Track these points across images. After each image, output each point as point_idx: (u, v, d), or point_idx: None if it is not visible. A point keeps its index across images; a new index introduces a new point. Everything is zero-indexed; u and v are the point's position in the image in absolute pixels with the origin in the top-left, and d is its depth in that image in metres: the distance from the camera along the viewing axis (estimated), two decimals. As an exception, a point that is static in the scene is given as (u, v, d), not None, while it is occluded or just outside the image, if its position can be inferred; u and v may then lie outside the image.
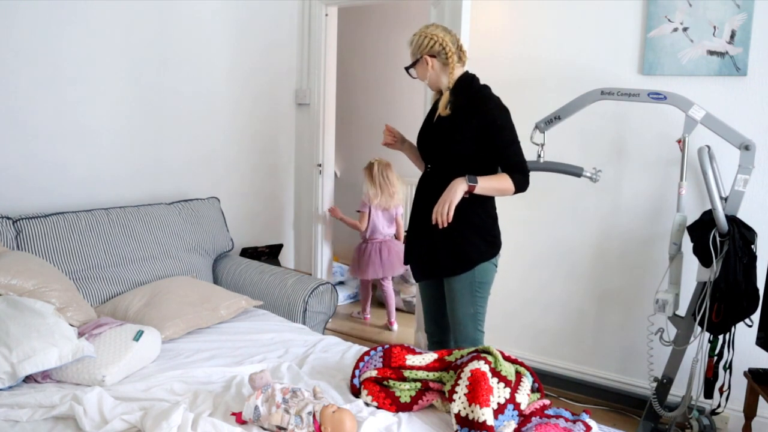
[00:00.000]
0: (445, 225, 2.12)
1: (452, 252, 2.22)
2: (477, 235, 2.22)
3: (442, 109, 2.22)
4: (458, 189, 2.10)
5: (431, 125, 2.30)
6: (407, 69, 2.30)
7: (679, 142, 2.48)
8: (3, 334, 1.78)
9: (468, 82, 2.24)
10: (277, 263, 3.62)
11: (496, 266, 2.31)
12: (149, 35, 2.98)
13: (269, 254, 3.62)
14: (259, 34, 3.59)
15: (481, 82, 2.28)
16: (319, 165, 3.91)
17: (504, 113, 2.18)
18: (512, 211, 2.84)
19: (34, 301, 1.98)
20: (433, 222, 2.14)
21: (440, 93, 2.30)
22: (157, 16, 3.00)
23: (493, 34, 3.18)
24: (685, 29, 2.69)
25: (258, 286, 2.84)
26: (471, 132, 2.16)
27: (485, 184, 2.13)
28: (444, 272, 2.26)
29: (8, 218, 2.35)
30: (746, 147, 2.34)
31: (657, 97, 2.50)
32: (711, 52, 2.65)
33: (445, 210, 2.09)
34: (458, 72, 2.25)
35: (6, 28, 2.45)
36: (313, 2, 3.78)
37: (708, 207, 2.43)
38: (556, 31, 3.02)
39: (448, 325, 2.44)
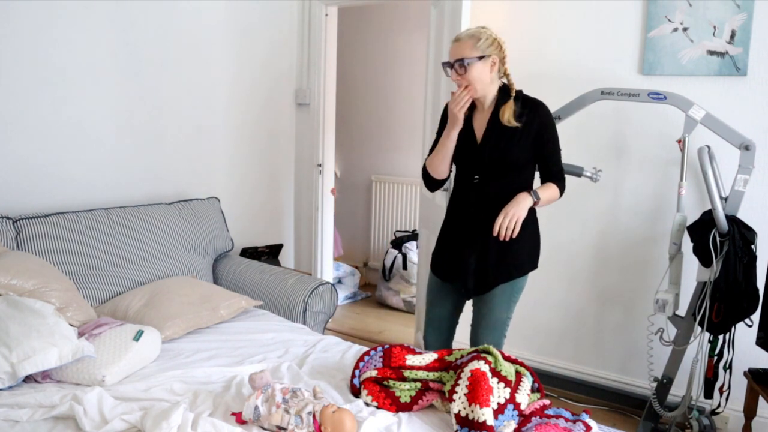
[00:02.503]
0: (508, 238, 2.09)
1: (504, 266, 2.19)
2: (525, 250, 2.22)
3: (511, 118, 2.11)
4: (526, 205, 2.10)
5: (474, 136, 2.19)
6: (464, 61, 2.06)
7: (679, 142, 2.48)
8: (3, 334, 1.78)
9: (508, 89, 2.18)
10: (277, 263, 3.62)
11: None
12: (149, 35, 2.98)
13: (269, 254, 3.62)
14: (259, 34, 3.59)
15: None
16: (319, 165, 3.91)
17: (553, 120, 2.19)
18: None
19: (34, 301, 1.98)
20: (495, 234, 2.09)
21: (472, 104, 2.19)
22: (156, 16, 3.00)
23: (493, 34, 3.18)
24: (685, 29, 2.69)
25: (258, 286, 2.84)
26: (530, 139, 2.13)
27: (544, 197, 2.15)
28: (493, 286, 2.23)
29: (8, 218, 2.35)
30: (746, 147, 2.34)
31: (657, 97, 2.50)
32: (711, 52, 2.65)
33: (512, 224, 2.07)
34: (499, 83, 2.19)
35: (4, 30, 2.45)
36: (313, 2, 3.78)
37: (708, 207, 2.43)
38: (555, 31, 3.02)
39: (453, 334, 2.43)
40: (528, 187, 2.18)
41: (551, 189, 2.18)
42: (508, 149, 2.13)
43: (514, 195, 2.13)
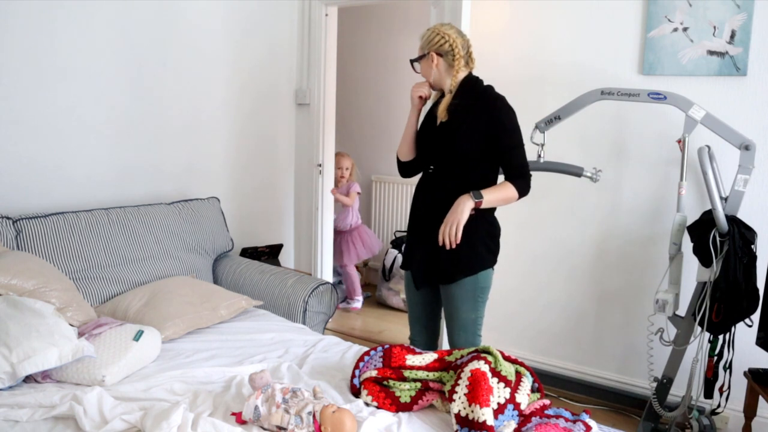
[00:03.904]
0: (454, 246, 2.09)
1: (456, 259, 2.18)
2: (481, 243, 2.19)
3: (442, 114, 2.18)
4: (465, 208, 2.08)
5: (435, 127, 2.25)
6: (412, 62, 2.27)
7: (679, 142, 2.48)
8: (3, 334, 1.78)
9: (472, 83, 2.22)
10: (277, 263, 3.62)
11: (494, 270, 2.29)
12: (149, 35, 2.98)
13: (269, 254, 3.62)
14: (259, 34, 3.59)
15: (484, 83, 2.26)
16: (319, 165, 3.91)
17: (511, 114, 2.16)
18: (512, 211, 2.84)
19: (34, 301, 1.98)
20: (440, 243, 2.11)
21: (441, 93, 2.28)
22: (157, 16, 3.00)
23: (493, 35, 3.18)
24: (685, 29, 2.69)
25: (258, 286, 2.84)
26: (479, 133, 2.13)
27: (490, 197, 2.11)
28: (446, 279, 2.22)
29: (8, 218, 2.35)
30: (746, 147, 2.34)
31: (657, 97, 2.50)
32: (711, 52, 2.65)
33: (453, 230, 2.07)
34: (462, 75, 2.21)
35: (4, 29, 2.45)
36: (313, 2, 3.78)
37: (708, 207, 2.43)
38: (556, 31, 3.02)
39: (438, 332, 2.43)
40: (486, 185, 2.17)
41: (504, 189, 2.13)
42: (455, 140, 2.15)
43: (467, 190, 2.13)
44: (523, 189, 2.16)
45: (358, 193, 4.39)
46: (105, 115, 2.84)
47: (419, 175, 2.39)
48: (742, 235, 2.31)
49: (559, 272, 3.14)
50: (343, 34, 4.38)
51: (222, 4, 3.33)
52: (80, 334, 1.98)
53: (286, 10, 3.75)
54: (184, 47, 3.16)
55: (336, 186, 4.24)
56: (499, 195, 2.13)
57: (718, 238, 2.33)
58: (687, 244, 2.49)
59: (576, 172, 2.71)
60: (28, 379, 1.85)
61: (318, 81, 3.83)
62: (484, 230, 2.21)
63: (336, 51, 3.92)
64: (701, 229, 2.40)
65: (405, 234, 4.57)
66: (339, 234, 4.38)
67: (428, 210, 2.24)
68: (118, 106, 2.89)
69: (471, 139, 2.14)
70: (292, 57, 3.84)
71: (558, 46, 3.02)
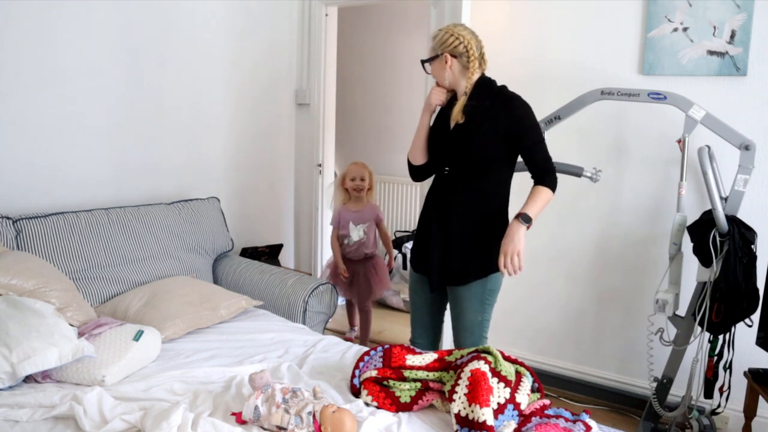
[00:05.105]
0: (517, 274, 2.07)
1: (468, 261, 2.18)
2: (493, 246, 2.17)
3: (458, 116, 2.16)
4: (521, 236, 2.06)
5: (448, 129, 2.23)
6: (423, 62, 2.24)
7: (679, 142, 2.48)
8: (3, 334, 1.78)
9: (487, 84, 2.20)
10: (277, 263, 3.62)
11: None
12: (149, 34, 2.98)
13: (269, 254, 3.62)
14: (259, 34, 3.59)
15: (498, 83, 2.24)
16: (319, 165, 3.91)
17: (529, 111, 2.15)
18: (512, 211, 2.85)
19: (34, 301, 1.98)
20: (509, 275, 2.08)
21: (453, 94, 2.26)
22: (156, 16, 3.00)
23: (493, 35, 3.18)
24: (685, 29, 2.69)
25: (258, 286, 2.84)
26: (498, 133, 2.12)
27: (535, 211, 2.09)
28: (458, 281, 2.22)
29: (8, 218, 2.35)
30: (746, 147, 2.34)
31: (657, 97, 2.50)
32: (711, 52, 2.65)
33: (516, 261, 2.05)
34: (476, 77, 2.19)
35: (4, 29, 2.45)
36: (313, 2, 3.78)
37: (708, 207, 2.44)
38: (556, 31, 3.02)
39: (439, 333, 2.43)
40: (502, 188, 2.19)
41: (541, 196, 2.12)
42: (472, 142, 2.14)
43: (484, 192, 2.15)
44: (553, 185, 2.16)
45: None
46: (105, 115, 2.84)
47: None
48: (742, 235, 2.31)
49: (558, 272, 3.14)
50: (343, 34, 4.38)
51: (222, 3, 3.33)
52: (80, 334, 1.98)
53: (286, 10, 3.75)
54: (184, 47, 3.16)
55: (346, 199, 3.49)
56: (540, 205, 2.11)
57: (718, 238, 2.33)
58: (687, 244, 2.49)
59: (576, 172, 2.71)
60: (28, 379, 1.85)
61: (318, 81, 3.83)
62: (496, 233, 2.19)
63: (336, 51, 3.92)
64: (701, 229, 2.40)
65: (405, 234, 4.64)
66: (350, 264, 3.50)
67: (442, 212, 2.23)
68: (118, 106, 2.89)
69: (490, 141, 2.13)
70: (292, 57, 3.84)
71: (558, 46, 3.02)
